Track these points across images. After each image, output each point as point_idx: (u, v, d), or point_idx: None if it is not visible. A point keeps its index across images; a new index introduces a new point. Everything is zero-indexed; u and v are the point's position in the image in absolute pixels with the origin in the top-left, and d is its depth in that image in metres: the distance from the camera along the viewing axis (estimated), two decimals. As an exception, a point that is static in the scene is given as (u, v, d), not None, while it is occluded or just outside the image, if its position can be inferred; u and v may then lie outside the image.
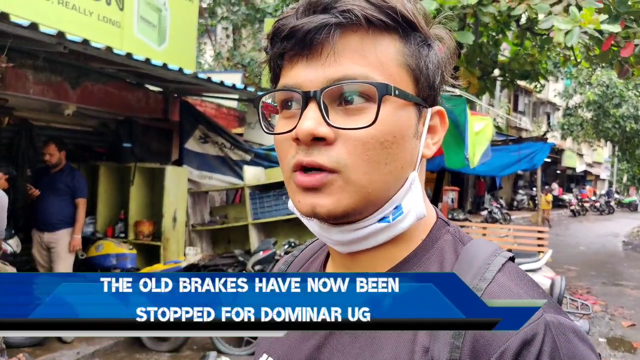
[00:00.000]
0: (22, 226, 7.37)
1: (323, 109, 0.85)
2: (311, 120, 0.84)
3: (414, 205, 0.92)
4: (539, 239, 10.78)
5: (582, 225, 28.62)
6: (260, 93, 0.94)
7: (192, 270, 7.20)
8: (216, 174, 9.69)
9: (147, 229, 8.54)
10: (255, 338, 6.58)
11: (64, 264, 7.09)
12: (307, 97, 0.85)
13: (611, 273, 14.52)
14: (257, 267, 7.09)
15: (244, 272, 5.32)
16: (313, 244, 1.18)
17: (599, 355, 0.83)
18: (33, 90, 7.13)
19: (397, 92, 0.87)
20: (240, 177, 9.45)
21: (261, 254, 7.23)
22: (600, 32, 6.68)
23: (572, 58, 11.15)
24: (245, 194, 9.27)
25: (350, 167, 0.85)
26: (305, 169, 0.86)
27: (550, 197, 24.94)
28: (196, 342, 7.24)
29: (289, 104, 0.90)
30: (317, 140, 0.84)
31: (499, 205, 24.40)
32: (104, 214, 8.64)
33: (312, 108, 0.85)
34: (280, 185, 9.01)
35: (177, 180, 8.70)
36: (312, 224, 0.93)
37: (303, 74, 0.87)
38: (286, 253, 7.19)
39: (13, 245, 6.55)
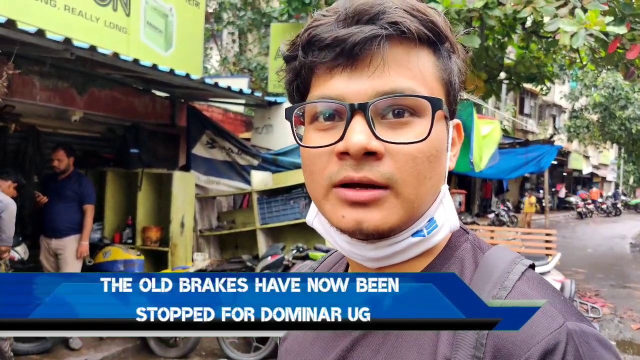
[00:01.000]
0: (29, 233, 7.38)
1: (371, 122, 0.82)
2: (362, 135, 0.81)
3: (447, 218, 0.91)
4: (547, 241, 10.72)
5: (589, 228, 28.54)
6: (293, 105, 0.91)
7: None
8: (224, 179, 9.68)
9: (154, 234, 8.53)
10: (263, 343, 6.62)
11: (72, 270, 7.06)
12: (353, 110, 0.82)
13: (619, 275, 14.47)
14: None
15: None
16: (331, 256, 1.16)
17: None
18: (40, 96, 7.15)
19: (444, 107, 0.87)
20: (248, 182, 9.43)
21: (269, 259, 7.21)
22: (606, 34, 6.66)
23: (578, 61, 11.11)
24: (252, 199, 9.25)
25: (401, 183, 0.83)
26: (351, 184, 0.83)
27: (533, 199, 24.57)
28: (204, 348, 7.24)
29: (327, 115, 0.86)
30: (367, 155, 0.82)
31: (506, 208, 24.31)
32: (112, 220, 8.64)
33: (360, 121, 0.82)
34: (287, 190, 9.00)
35: (184, 186, 8.70)
36: (340, 240, 0.91)
37: (346, 86, 0.84)
38: (294, 258, 7.18)
39: (20, 252, 6.56)
